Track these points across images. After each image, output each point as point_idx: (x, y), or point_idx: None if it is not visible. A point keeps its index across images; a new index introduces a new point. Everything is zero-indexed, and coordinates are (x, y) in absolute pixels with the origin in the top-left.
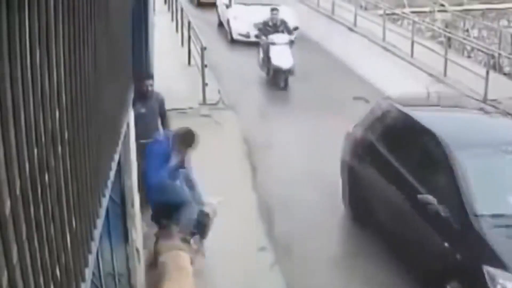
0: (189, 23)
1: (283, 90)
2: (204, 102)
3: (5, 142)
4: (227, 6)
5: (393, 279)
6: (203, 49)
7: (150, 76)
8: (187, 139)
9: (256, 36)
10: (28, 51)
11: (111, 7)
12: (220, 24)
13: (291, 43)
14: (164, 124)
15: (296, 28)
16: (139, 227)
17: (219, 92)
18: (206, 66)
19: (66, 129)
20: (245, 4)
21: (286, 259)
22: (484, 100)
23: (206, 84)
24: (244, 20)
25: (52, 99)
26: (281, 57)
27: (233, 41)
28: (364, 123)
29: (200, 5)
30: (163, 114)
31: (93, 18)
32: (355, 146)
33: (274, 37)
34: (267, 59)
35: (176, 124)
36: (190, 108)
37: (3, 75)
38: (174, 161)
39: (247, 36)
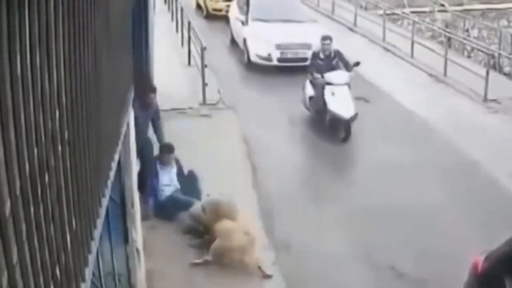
0: (189, 23)
1: (342, 142)
2: (204, 102)
3: (5, 142)
4: (243, 23)
5: None
6: (203, 49)
7: (153, 90)
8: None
9: (283, 59)
10: (28, 51)
11: (111, 7)
12: (233, 41)
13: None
14: (157, 129)
15: (357, 64)
16: (139, 227)
17: (219, 92)
18: (206, 66)
19: (66, 129)
20: (264, 20)
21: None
22: (484, 100)
23: (206, 84)
24: (264, 40)
25: (52, 99)
26: (341, 102)
27: (250, 64)
28: (497, 257)
29: (209, 16)
30: (156, 120)
31: (93, 18)
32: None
33: (331, 76)
34: (322, 103)
35: (177, 124)
36: (190, 108)
37: (3, 75)
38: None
39: (269, 59)
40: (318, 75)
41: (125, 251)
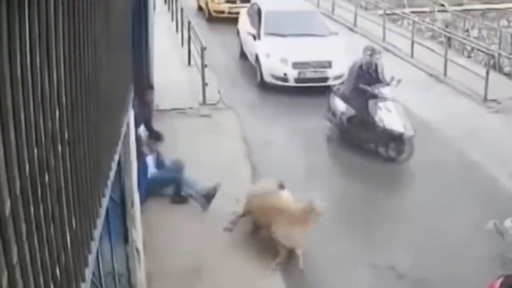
0: (189, 23)
1: (392, 161)
2: (204, 102)
3: (5, 142)
4: (255, 37)
5: None
6: (203, 49)
7: (151, 86)
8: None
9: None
10: (28, 51)
11: (111, 7)
12: (243, 55)
13: None
14: (149, 125)
15: (399, 81)
16: (139, 227)
17: (219, 92)
18: (206, 66)
19: (66, 129)
20: (279, 35)
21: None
22: (484, 100)
23: (206, 84)
24: (280, 58)
25: (52, 99)
26: (394, 117)
27: (263, 84)
28: None
29: (211, 18)
30: (148, 116)
31: (93, 18)
32: None
33: (380, 89)
34: (369, 117)
35: (176, 124)
36: (190, 108)
37: (3, 75)
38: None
39: (285, 79)
40: (368, 88)
41: (125, 251)
